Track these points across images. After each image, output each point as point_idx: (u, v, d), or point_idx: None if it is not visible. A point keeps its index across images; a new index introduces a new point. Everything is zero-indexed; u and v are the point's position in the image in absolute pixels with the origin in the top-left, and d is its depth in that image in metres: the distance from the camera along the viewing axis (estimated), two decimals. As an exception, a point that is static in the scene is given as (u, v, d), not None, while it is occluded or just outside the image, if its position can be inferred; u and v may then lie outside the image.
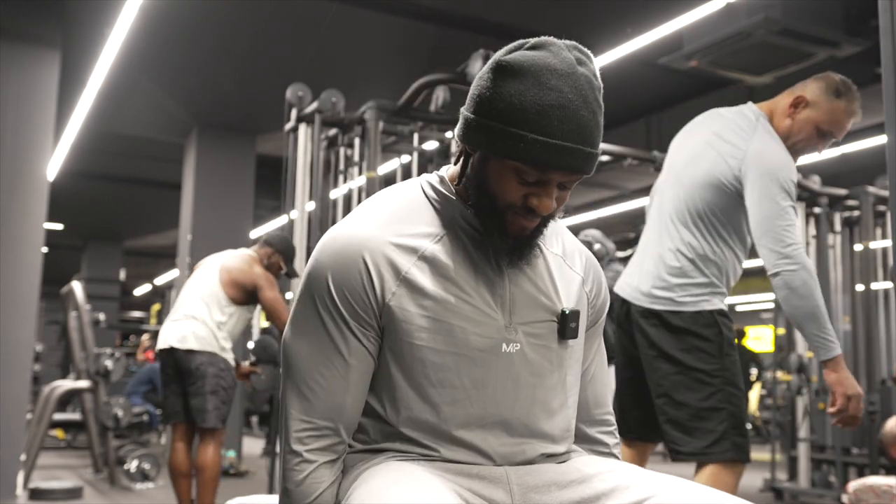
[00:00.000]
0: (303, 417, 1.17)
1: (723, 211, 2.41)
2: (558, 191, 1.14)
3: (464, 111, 1.17)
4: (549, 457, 1.24)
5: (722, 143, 2.42)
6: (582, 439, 1.36)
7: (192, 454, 3.96)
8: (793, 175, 2.35)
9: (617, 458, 1.38)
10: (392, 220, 1.19)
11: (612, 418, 1.40)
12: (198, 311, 3.90)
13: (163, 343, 3.93)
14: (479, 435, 1.18)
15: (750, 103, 2.54)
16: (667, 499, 1.11)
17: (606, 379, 1.39)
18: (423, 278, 1.16)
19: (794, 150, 2.45)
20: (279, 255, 4.08)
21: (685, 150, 2.55)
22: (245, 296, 3.97)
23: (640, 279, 2.53)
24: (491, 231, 1.16)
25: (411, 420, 1.18)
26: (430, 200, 1.22)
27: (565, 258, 1.29)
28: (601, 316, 1.34)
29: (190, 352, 3.83)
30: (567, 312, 1.22)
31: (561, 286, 1.25)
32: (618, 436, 1.41)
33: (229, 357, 3.94)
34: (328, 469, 1.18)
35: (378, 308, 1.16)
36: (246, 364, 4.35)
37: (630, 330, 2.55)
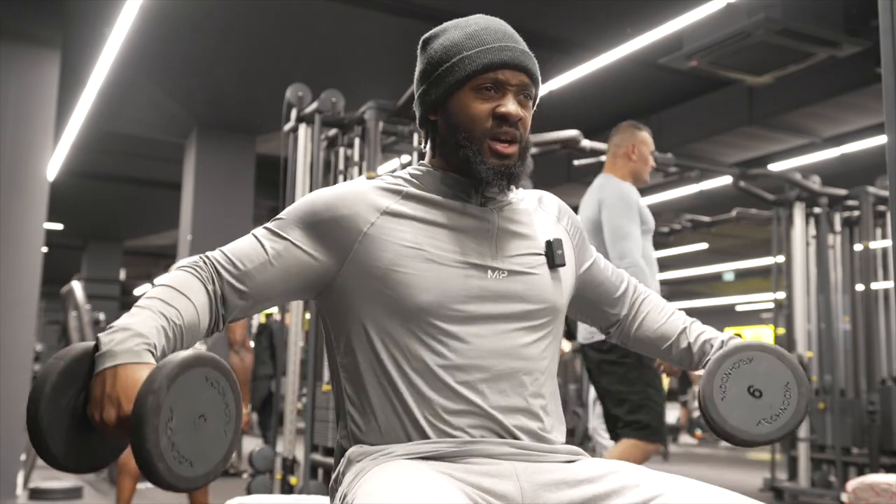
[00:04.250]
0: (224, 252, 1.24)
1: None
2: (521, 100, 1.24)
3: (415, 97, 1.30)
4: (530, 387, 1.25)
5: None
6: (608, 320, 1.49)
7: None
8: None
9: (643, 294, 1.49)
10: (377, 183, 1.29)
11: (628, 279, 1.50)
12: None
13: None
14: (465, 373, 1.20)
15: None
16: (674, 497, 1.12)
17: (610, 266, 1.49)
18: (406, 210, 1.25)
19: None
20: None
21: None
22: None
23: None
24: (476, 164, 1.22)
25: (394, 349, 1.21)
26: (411, 177, 1.31)
27: (541, 204, 1.39)
28: (584, 239, 1.43)
29: None
30: (552, 241, 1.30)
31: (538, 225, 1.34)
32: (638, 287, 1.51)
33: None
34: (206, 283, 1.20)
35: (349, 236, 1.22)
36: None
37: (586, 362, 3.36)
